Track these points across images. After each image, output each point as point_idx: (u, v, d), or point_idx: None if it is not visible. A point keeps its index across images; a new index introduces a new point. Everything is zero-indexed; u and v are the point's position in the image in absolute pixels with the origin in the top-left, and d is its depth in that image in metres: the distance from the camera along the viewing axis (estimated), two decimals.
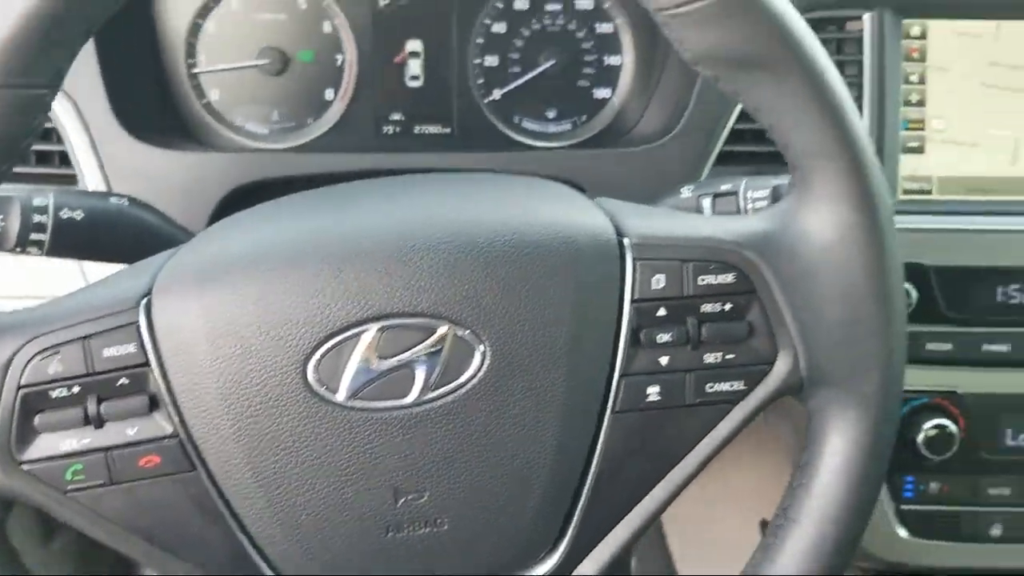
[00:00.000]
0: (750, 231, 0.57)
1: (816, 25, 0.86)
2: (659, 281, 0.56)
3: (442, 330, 0.53)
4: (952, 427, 0.82)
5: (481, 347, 0.53)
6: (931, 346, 0.83)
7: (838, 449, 0.57)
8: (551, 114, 0.98)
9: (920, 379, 0.83)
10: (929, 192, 0.87)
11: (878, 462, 0.57)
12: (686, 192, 0.72)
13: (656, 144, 0.88)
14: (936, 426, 0.82)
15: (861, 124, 0.55)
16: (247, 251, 0.56)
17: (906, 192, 0.87)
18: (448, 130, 0.98)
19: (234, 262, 0.55)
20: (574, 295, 0.55)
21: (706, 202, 0.70)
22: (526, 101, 0.98)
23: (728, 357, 0.57)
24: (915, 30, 0.86)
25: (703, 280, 0.56)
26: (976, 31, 0.86)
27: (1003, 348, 0.83)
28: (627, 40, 0.97)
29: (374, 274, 0.53)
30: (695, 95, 0.87)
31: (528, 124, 0.98)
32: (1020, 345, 0.83)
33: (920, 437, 0.82)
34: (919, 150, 0.87)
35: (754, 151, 0.86)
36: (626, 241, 0.56)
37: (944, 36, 0.86)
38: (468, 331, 0.53)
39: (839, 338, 0.56)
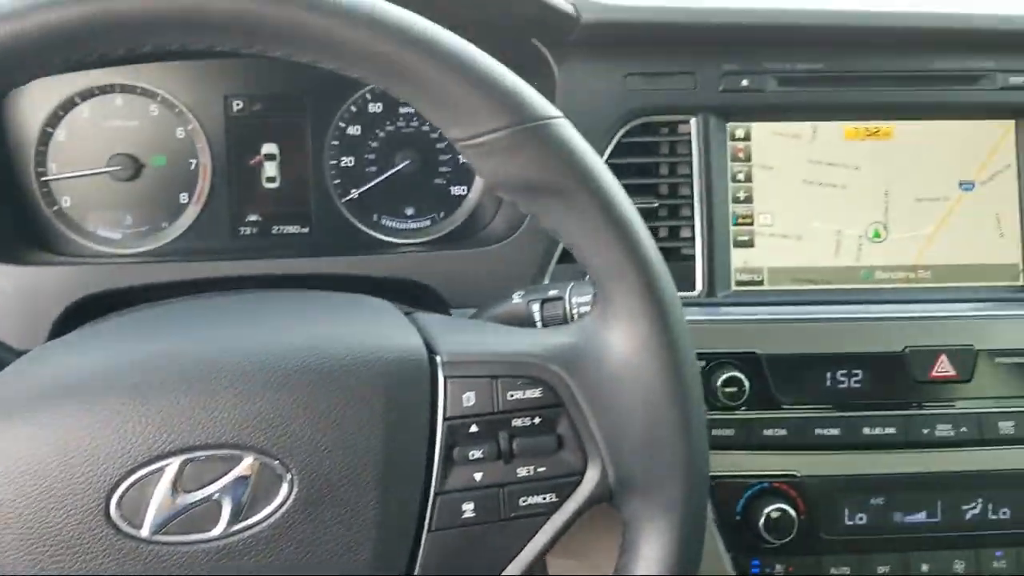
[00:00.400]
0: (557, 345, 0.59)
1: (650, 128, 0.91)
2: (470, 398, 0.58)
3: (247, 461, 0.53)
4: (791, 511, 0.85)
5: (289, 476, 0.54)
6: (767, 432, 0.86)
7: (648, 555, 0.59)
8: (410, 211, 1.01)
9: (760, 464, 0.87)
10: (760, 283, 0.92)
11: (688, 565, 0.60)
12: (516, 298, 0.74)
13: (506, 242, 0.90)
14: (777, 509, 0.85)
15: (651, 243, 0.58)
16: (51, 382, 0.55)
17: (739, 283, 0.91)
18: (306, 230, 0.99)
19: (39, 394, 0.55)
20: (385, 417, 0.56)
21: (535, 307, 0.73)
22: (384, 199, 1.00)
23: (540, 470, 0.58)
24: (740, 132, 0.92)
25: (512, 395, 0.58)
26: (795, 132, 0.92)
27: (834, 432, 0.87)
28: None
29: (176, 404, 0.53)
30: None
31: (387, 222, 1.01)
32: (849, 428, 0.87)
33: (761, 521, 0.85)
34: (749, 243, 0.92)
35: None
36: (438, 359, 0.58)
37: (766, 137, 0.92)
38: (275, 460, 0.54)
39: (642, 446, 0.58)
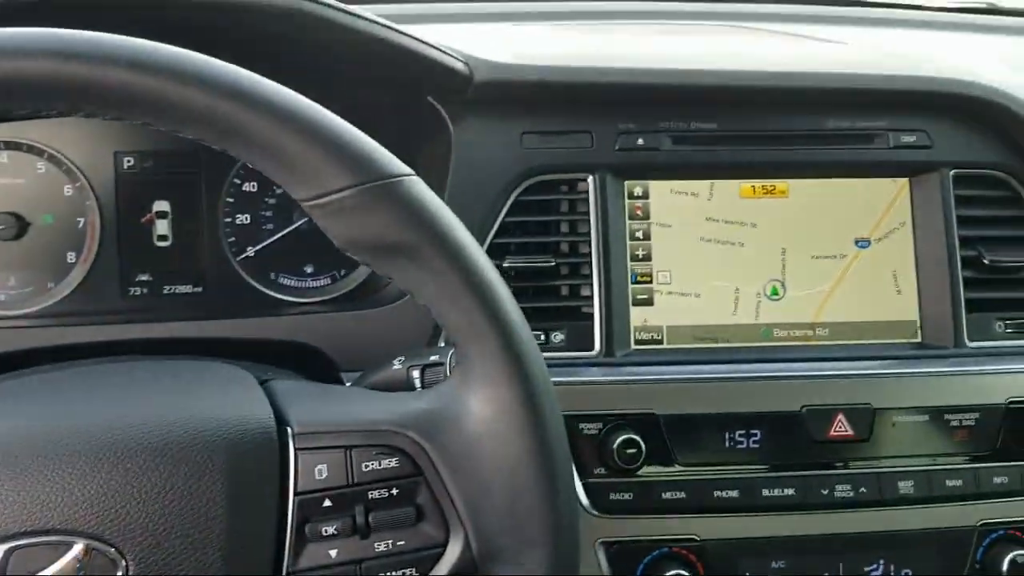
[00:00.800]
0: (414, 412, 0.57)
1: (549, 187, 0.91)
2: (322, 471, 0.55)
3: (78, 548, 0.50)
4: None
5: (123, 562, 0.51)
6: (666, 495, 0.85)
7: None
8: (309, 269, 0.98)
9: (659, 529, 0.85)
10: (660, 341, 0.90)
11: None
12: (397, 364, 0.72)
13: (399, 302, 0.89)
14: (675, 575, 0.83)
15: (511, 302, 0.57)
16: None
17: (638, 342, 0.90)
18: (199, 289, 0.96)
19: None
20: (228, 493, 0.53)
21: (415, 374, 0.70)
22: (282, 258, 0.98)
23: (399, 544, 0.56)
24: (638, 190, 0.92)
25: (367, 466, 0.56)
26: (692, 190, 0.92)
27: (733, 494, 0.85)
28: None
29: (1, 489, 0.50)
30: None
31: (285, 280, 0.98)
32: (748, 490, 0.86)
33: None
34: (648, 302, 0.91)
35: None
36: (288, 430, 0.56)
37: (664, 195, 0.92)
38: (109, 547, 0.50)
39: (506, 515, 0.56)
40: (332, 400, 0.59)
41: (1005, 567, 0.87)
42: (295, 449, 0.55)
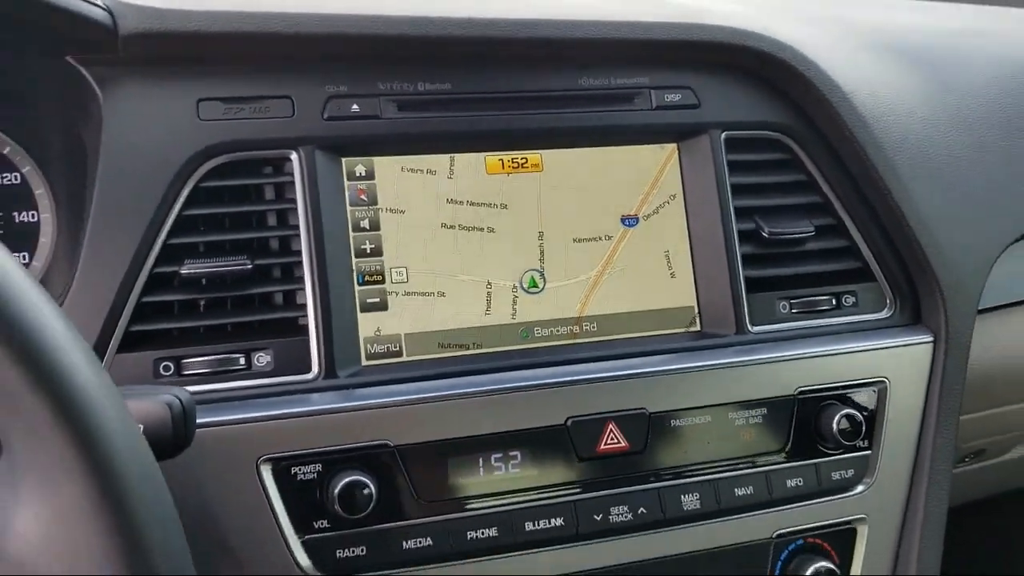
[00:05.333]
0: None
1: (244, 169, 0.72)
2: None
3: None
4: None
5: None
6: (408, 545, 0.68)
7: None
8: None
9: None
10: (398, 354, 0.74)
11: None
12: None
13: None
14: None
15: (73, 352, 0.38)
16: None
17: (370, 357, 0.73)
18: None
19: None
20: None
21: None
22: None
23: None
24: (359, 169, 0.75)
25: None
26: (428, 167, 0.76)
27: (491, 532, 0.70)
28: (42, 193, 0.77)
29: None
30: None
31: None
32: (509, 526, 0.71)
33: None
34: (381, 306, 0.74)
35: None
36: None
37: (394, 174, 0.75)
38: None
39: None
40: None
41: None
42: None
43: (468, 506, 0.70)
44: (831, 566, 0.77)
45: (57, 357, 0.37)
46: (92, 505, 0.37)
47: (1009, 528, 1.41)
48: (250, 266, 0.70)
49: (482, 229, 0.77)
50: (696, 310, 0.81)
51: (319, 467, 0.67)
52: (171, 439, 0.49)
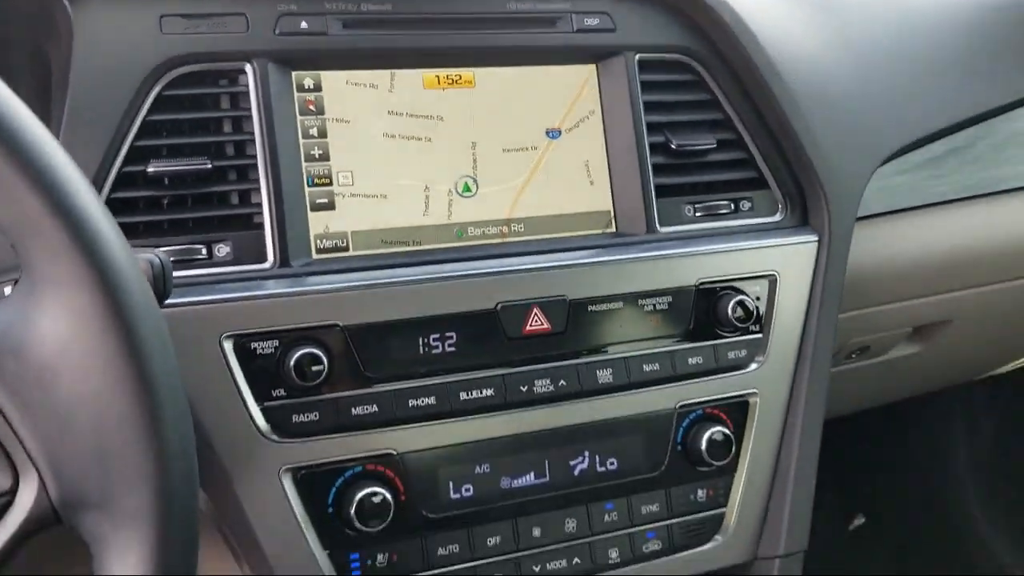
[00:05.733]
0: None
1: (203, 79, 0.79)
2: None
3: None
4: (387, 494, 0.78)
5: None
6: (357, 411, 0.78)
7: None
8: None
9: (352, 447, 0.78)
10: (345, 248, 0.83)
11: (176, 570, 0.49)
12: None
13: None
14: (372, 494, 0.77)
15: (80, 185, 0.46)
16: None
17: (320, 251, 0.82)
18: None
19: None
20: None
21: (7, 290, 0.59)
22: None
23: None
24: (308, 82, 0.82)
25: None
26: (371, 81, 0.84)
27: (430, 401, 0.80)
28: None
29: None
30: None
31: None
32: (445, 395, 0.81)
33: (353, 509, 0.76)
34: (330, 206, 0.83)
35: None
36: None
37: (340, 87, 0.83)
38: None
39: (91, 452, 0.46)
40: None
41: (704, 445, 0.89)
42: None
43: (409, 379, 0.80)
44: (726, 431, 0.89)
45: (71, 188, 0.45)
46: (104, 315, 0.45)
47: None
48: (209, 166, 0.77)
49: (420, 139, 0.86)
50: (612, 213, 0.91)
51: (276, 343, 0.76)
52: (153, 292, 0.57)
